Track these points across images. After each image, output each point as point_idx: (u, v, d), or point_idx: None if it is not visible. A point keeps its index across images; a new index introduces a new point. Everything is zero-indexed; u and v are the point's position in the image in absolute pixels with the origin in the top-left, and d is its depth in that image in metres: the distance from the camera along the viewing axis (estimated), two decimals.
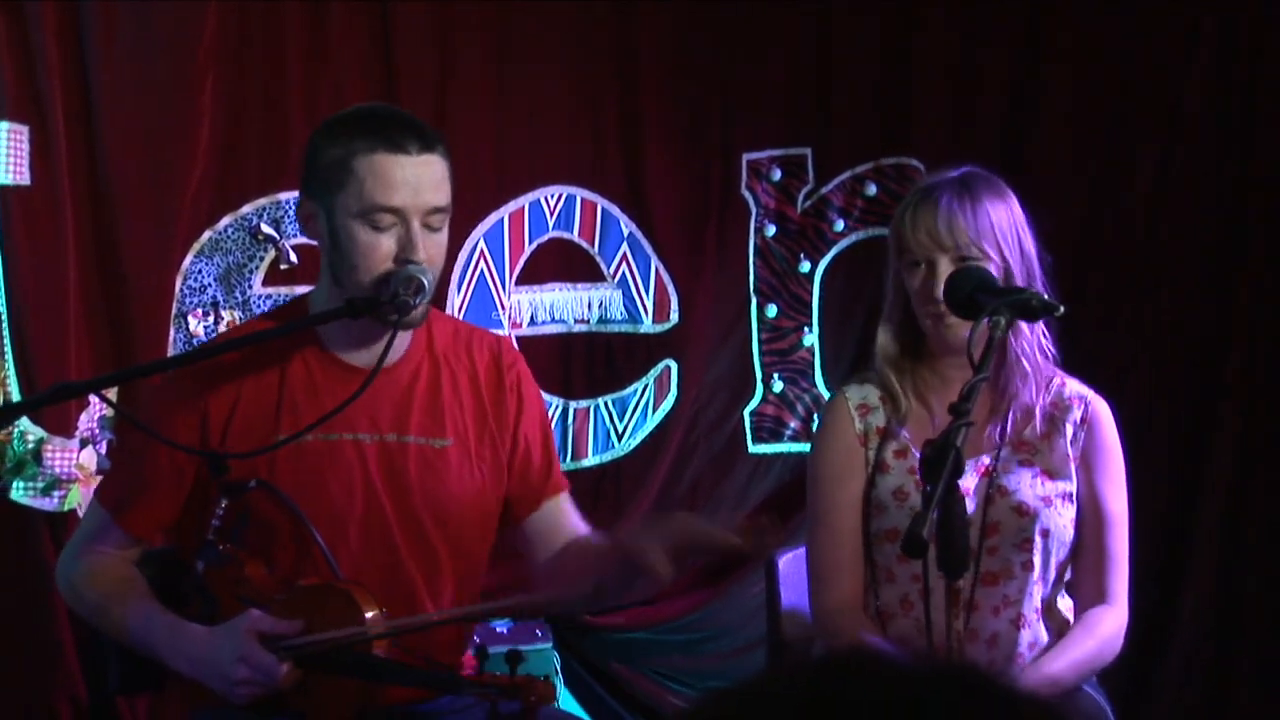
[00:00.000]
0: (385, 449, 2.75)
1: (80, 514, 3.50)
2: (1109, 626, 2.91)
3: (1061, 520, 2.89)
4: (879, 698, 0.78)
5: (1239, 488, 4.37)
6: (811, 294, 4.20)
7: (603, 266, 4.06)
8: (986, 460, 2.88)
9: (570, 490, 2.92)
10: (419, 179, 2.66)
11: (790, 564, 3.25)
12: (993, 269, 2.84)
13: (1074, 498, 2.92)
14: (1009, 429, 2.92)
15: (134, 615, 2.69)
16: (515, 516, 2.86)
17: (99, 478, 3.53)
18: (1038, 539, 2.87)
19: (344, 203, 2.66)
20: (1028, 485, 2.89)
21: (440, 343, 2.83)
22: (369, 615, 2.58)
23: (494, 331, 3.13)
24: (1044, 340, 2.94)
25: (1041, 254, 2.92)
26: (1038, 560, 2.88)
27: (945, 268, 2.84)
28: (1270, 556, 4.39)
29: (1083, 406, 2.96)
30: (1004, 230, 2.86)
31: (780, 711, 0.79)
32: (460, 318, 3.74)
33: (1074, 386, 2.98)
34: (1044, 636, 2.94)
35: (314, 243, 3.60)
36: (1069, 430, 2.93)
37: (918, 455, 2.87)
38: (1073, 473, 2.92)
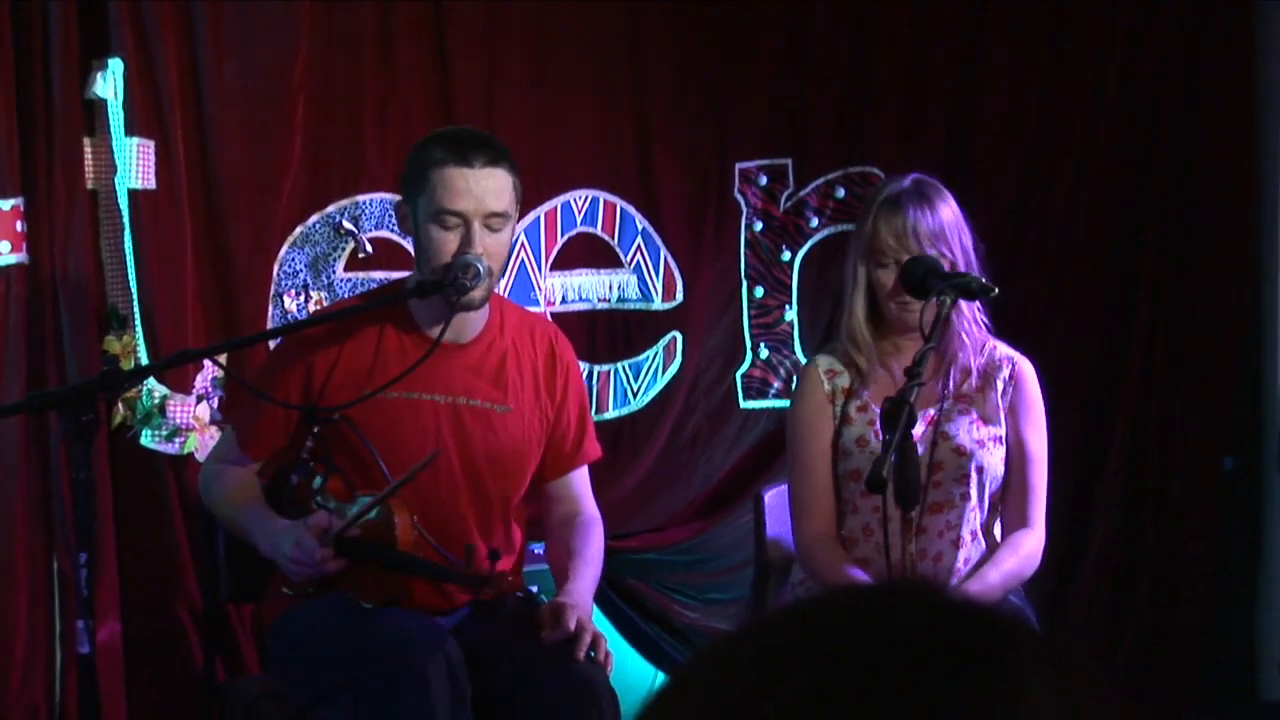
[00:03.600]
0: (455, 409, 2.81)
1: (198, 457, 3.54)
2: (1030, 546, 2.94)
3: (993, 459, 2.92)
4: (861, 615, 0.76)
5: (1140, 429, 4.40)
6: (791, 278, 4.22)
7: (621, 255, 4.07)
8: (932, 411, 2.91)
9: (595, 460, 3.06)
10: (482, 189, 2.70)
11: (774, 498, 3.28)
12: (946, 263, 2.87)
13: (1003, 440, 2.95)
14: (951, 385, 2.95)
15: (244, 512, 2.82)
16: (543, 478, 2.94)
17: (212, 427, 3.57)
18: (973, 474, 2.90)
19: (423, 205, 2.72)
20: (965, 431, 2.92)
21: (510, 328, 2.89)
22: (398, 524, 2.66)
23: (553, 323, 3.20)
24: (978, 313, 2.97)
25: (976, 244, 2.95)
26: (974, 492, 2.91)
27: None
28: (1165, 485, 4.42)
29: (1010, 365, 2.99)
30: (951, 230, 2.89)
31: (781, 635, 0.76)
32: (505, 298, 3.78)
33: (1003, 349, 3.01)
34: (977, 555, 2.96)
35: (391, 236, 3.70)
36: (999, 385, 2.96)
37: (877, 410, 2.91)
38: (1002, 420, 2.95)
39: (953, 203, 2.92)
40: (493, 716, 2.75)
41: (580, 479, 3.02)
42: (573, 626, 2.66)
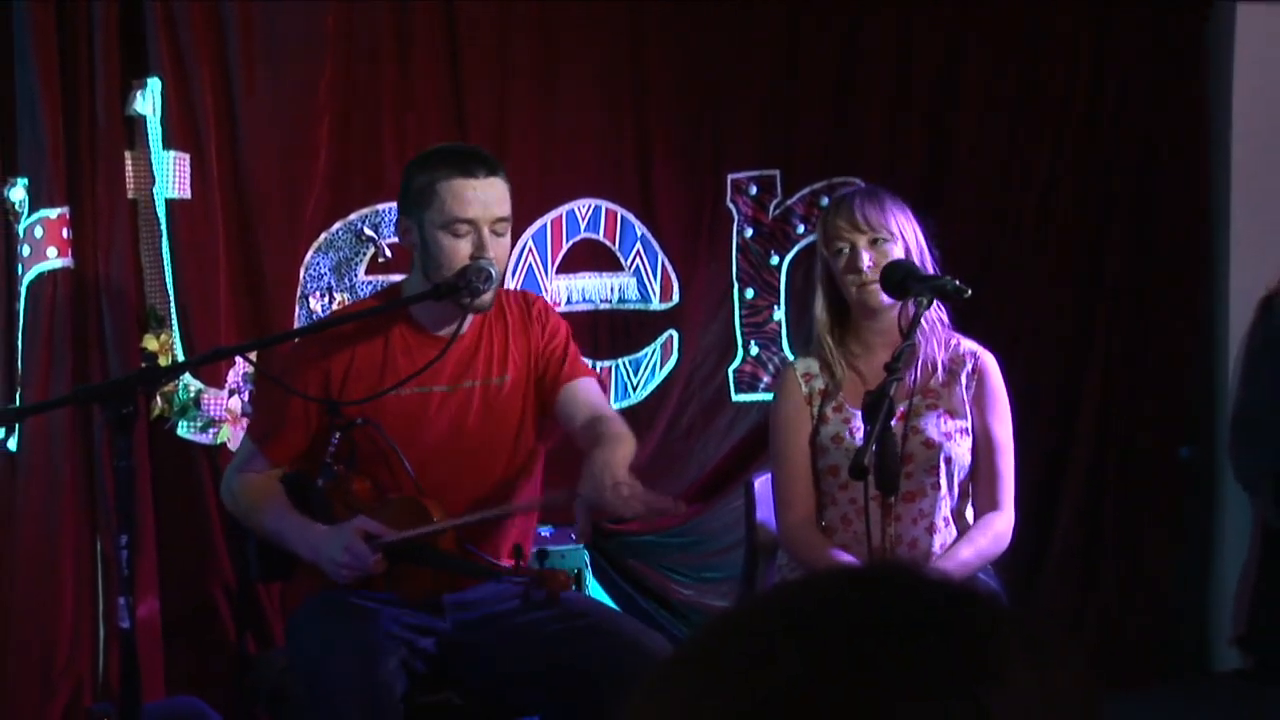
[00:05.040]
0: (460, 394, 2.80)
1: (230, 447, 3.55)
2: (1000, 526, 2.94)
3: (960, 449, 2.92)
4: (848, 597, 0.76)
5: (1102, 421, 4.42)
6: (779, 281, 4.22)
7: (621, 260, 4.08)
8: (902, 407, 2.90)
9: (590, 375, 2.91)
10: (487, 197, 2.70)
11: (764, 485, 3.28)
12: (899, 248, 2.87)
13: (969, 431, 2.94)
14: (917, 380, 2.95)
15: (273, 517, 2.76)
16: (547, 401, 2.85)
17: (244, 419, 3.58)
18: (942, 465, 2.89)
19: (431, 217, 2.70)
20: (934, 424, 2.91)
21: (492, 309, 2.86)
22: (435, 518, 2.63)
23: (520, 289, 3.16)
24: (940, 311, 2.97)
25: (931, 247, 2.95)
26: (944, 481, 2.90)
27: (863, 247, 2.88)
28: (1126, 473, 4.44)
29: (973, 360, 2.98)
30: (899, 219, 2.90)
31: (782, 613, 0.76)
32: None
33: (966, 344, 3.01)
34: (951, 539, 2.96)
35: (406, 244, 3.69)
36: (964, 379, 2.96)
37: (851, 410, 2.91)
38: (968, 412, 2.94)
39: (908, 211, 2.94)
40: (547, 693, 2.73)
41: (586, 385, 2.85)
42: (625, 491, 2.48)
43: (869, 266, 2.85)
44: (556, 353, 2.87)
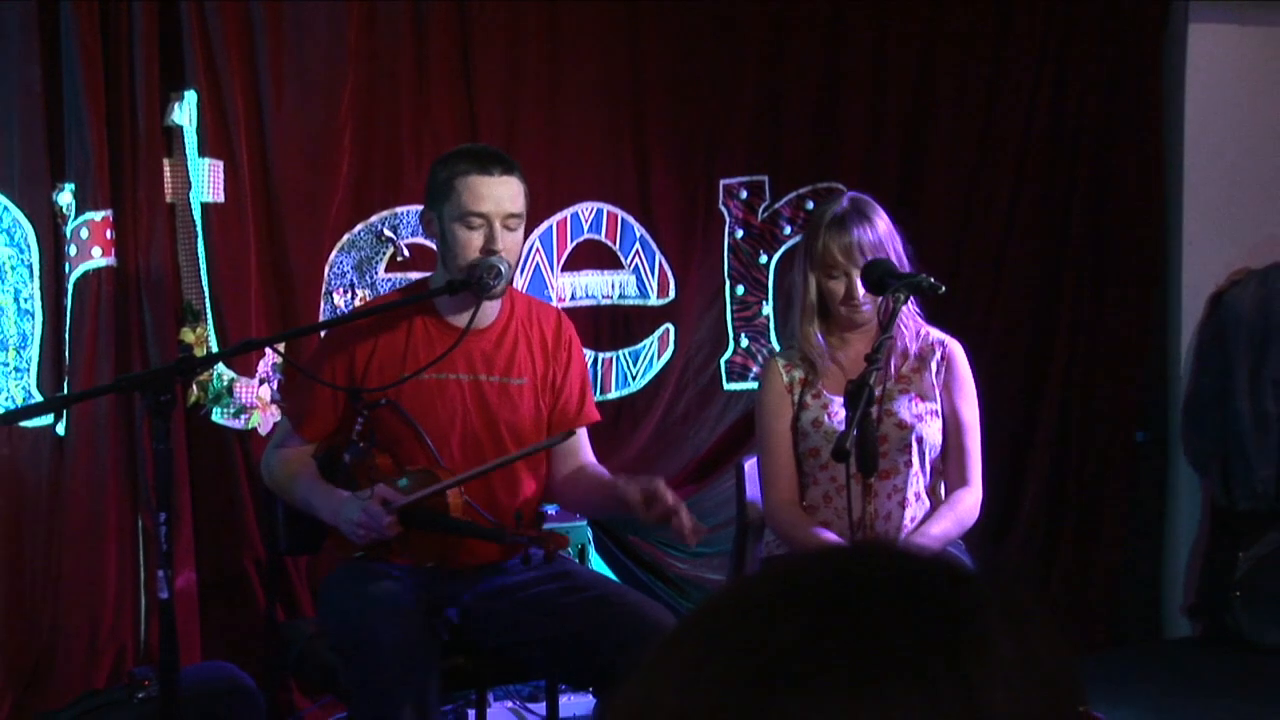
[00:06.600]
0: (478, 385, 2.81)
1: (260, 432, 3.56)
2: (969, 501, 2.96)
3: (930, 430, 2.93)
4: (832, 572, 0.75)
5: (1064, 407, 4.44)
6: (768, 278, 4.23)
7: (622, 258, 4.08)
8: (878, 392, 2.91)
9: (597, 423, 3.01)
10: (500, 193, 2.71)
11: (753, 467, 3.29)
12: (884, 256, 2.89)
13: (939, 413, 2.96)
14: (892, 369, 2.97)
15: (304, 487, 2.79)
16: (554, 430, 2.89)
17: (273, 405, 3.58)
18: (914, 444, 2.91)
19: (449, 210, 2.72)
20: (906, 407, 2.93)
21: (519, 312, 2.88)
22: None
23: (556, 307, 3.18)
24: (912, 304, 2.98)
25: (907, 245, 2.97)
26: (915, 460, 2.92)
27: (856, 274, 2.89)
28: (1086, 454, 4.46)
29: (942, 348, 3.00)
30: (887, 238, 2.91)
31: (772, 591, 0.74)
32: (515, 289, 3.76)
33: (935, 334, 3.03)
34: (923, 514, 2.97)
35: (425, 242, 3.70)
36: (933, 366, 2.98)
37: (829, 397, 2.93)
38: (937, 395, 2.96)
39: (885, 215, 2.95)
40: (557, 659, 2.76)
41: (584, 437, 2.98)
42: (671, 499, 2.63)
43: (864, 296, 2.87)
44: (575, 394, 2.93)
